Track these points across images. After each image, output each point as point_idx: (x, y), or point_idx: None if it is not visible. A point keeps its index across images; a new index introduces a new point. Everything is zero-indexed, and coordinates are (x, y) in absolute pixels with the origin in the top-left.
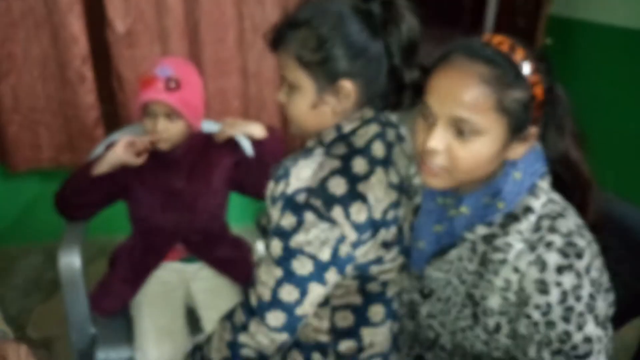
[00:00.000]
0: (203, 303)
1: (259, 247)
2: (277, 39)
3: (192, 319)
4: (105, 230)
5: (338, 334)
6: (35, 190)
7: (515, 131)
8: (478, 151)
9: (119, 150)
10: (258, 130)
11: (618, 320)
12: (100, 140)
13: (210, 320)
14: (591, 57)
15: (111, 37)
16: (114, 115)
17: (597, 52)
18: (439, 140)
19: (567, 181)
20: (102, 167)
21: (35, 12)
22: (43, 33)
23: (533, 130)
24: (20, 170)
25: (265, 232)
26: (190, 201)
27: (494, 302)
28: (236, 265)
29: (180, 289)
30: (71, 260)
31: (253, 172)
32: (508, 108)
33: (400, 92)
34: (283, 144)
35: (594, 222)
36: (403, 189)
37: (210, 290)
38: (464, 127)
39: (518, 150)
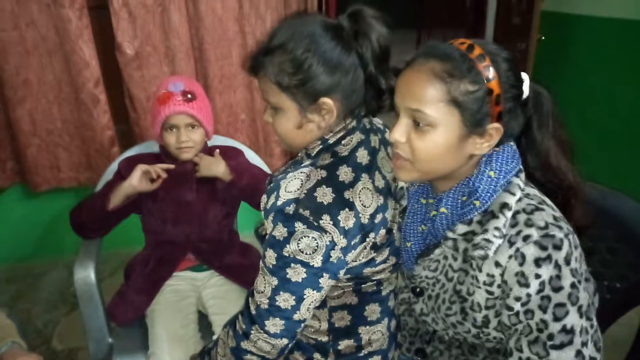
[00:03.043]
0: (214, 309)
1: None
2: (255, 65)
3: (205, 325)
4: (125, 244)
5: (337, 334)
6: (57, 208)
7: (472, 125)
8: (434, 142)
9: (135, 182)
10: (224, 174)
11: (614, 312)
12: (116, 158)
13: (220, 325)
14: (587, 49)
15: (121, 60)
16: (127, 134)
17: (593, 45)
18: (400, 132)
19: (549, 186)
20: (118, 200)
21: (47, 40)
22: (56, 59)
23: (495, 126)
24: (41, 190)
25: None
26: (200, 212)
27: (480, 297)
28: (245, 271)
29: (192, 297)
30: (87, 275)
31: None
32: (459, 100)
33: (379, 97)
34: (258, 176)
35: (580, 226)
36: (390, 192)
37: (220, 296)
38: (419, 118)
39: (481, 146)
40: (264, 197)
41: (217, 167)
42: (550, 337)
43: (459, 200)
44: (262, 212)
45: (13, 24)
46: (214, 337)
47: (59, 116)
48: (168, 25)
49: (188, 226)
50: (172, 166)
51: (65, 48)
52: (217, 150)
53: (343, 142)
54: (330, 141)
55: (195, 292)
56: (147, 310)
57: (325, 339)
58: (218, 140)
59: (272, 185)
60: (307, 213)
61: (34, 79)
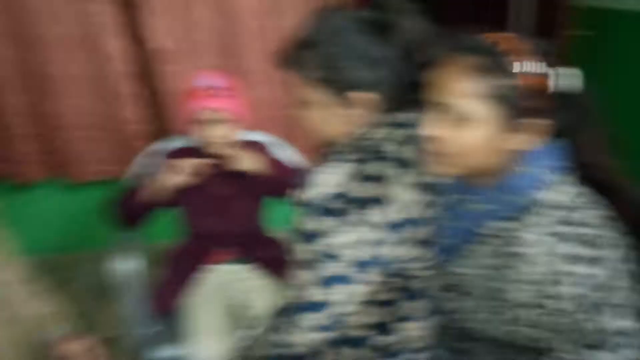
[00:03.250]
0: (249, 301)
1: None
2: (288, 60)
3: (239, 317)
4: (162, 236)
5: (375, 328)
6: (90, 201)
7: (509, 120)
8: (471, 137)
9: (177, 178)
10: (254, 168)
11: None
12: (147, 151)
13: (255, 317)
14: (631, 46)
15: (151, 55)
16: (156, 128)
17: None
18: (435, 127)
19: (594, 184)
20: (159, 193)
21: (79, 35)
22: (90, 54)
23: (533, 121)
24: (76, 182)
25: (295, 235)
26: (231, 206)
27: (515, 294)
28: (279, 265)
29: (227, 289)
30: (127, 265)
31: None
32: (497, 95)
33: (410, 90)
34: (286, 173)
35: (630, 225)
36: (423, 187)
37: (254, 289)
38: (456, 113)
39: (518, 141)
40: (298, 191)
41: (247, 161)
42: (585, 336)
43: (497, 196)
44: (296, 206)
45: (50, 20)
46: (249, 330)
47: (92, 110)
48: (197, 20)
49: (220, 219)
50: (208, 161)
51: (98, 43)
52: (245, 145)
53: (375, 136)
54: (362, 136)
55: (231, 285)
56: (184, 301)
57: (360, 334)
58: (243, 134)
59: (306, 179)
60: (338, 207)
61: (68, 74)
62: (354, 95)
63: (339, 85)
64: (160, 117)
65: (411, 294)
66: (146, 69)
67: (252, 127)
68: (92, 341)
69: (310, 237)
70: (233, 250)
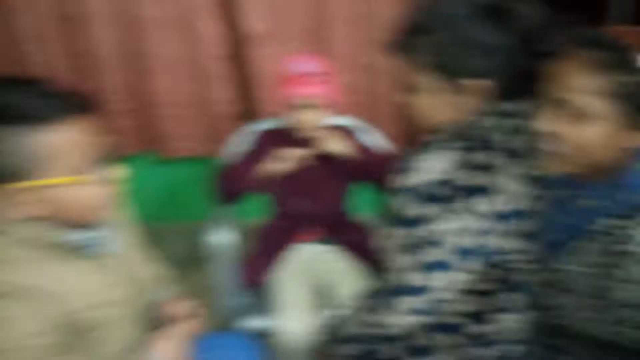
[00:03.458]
0: (333, 281)
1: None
2: (400, 44)
3: (324, 296)
4: (256, 213)
5: (468, 318)
6: (182, 175)
7: (630, 117)
8: (591, 134)
9: (282, 166)
10: (343, 152)
11: None
12: (237, 131)
13: (340, 297)
14: None
15: (245, 38)
16: (247, 110)
17: None
18: (553, 123)
19: None
20: (263, 179)
21: (178, 17)
22: (188, 36)
23: None
24: (169, 157)
25: (391, 221)
26: (318, 187)
27: (623, 293)
28: (363, 249)
29: (314, 268)
30: (221, 237)
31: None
32: (618, 92)
33: (523, 81)
34: (374, 158)
35: None
36: (530, 180)
37: (340, 271)
38: (576, 109)
39: (636, 138)
40: (397, 176)
41: (336, 145)
42: None
43: (610, 193)
44: (393, 191)
45: (150, 1)
46: (335, 309)
47: (187, 90)
48: (291, 5)
49: (309, 201)
50: (311, 151)
51: (193, 25)
52: (334, 129)
53: (484, 124)
54: (471, 123)
55: (316, 265)
56: (272, 276)
57: (456, 321)
58: (333, 119)
59: (407, 164)
60: (443, 194)
61: (167, 54)
62: (466, 82)
63: (451, 71)
64: (249, 99)
65: (511, 286)
66: (238, 51)
67: (340, 111)
68: (195, 305)
69: (412, 222)
70: (319, 231)
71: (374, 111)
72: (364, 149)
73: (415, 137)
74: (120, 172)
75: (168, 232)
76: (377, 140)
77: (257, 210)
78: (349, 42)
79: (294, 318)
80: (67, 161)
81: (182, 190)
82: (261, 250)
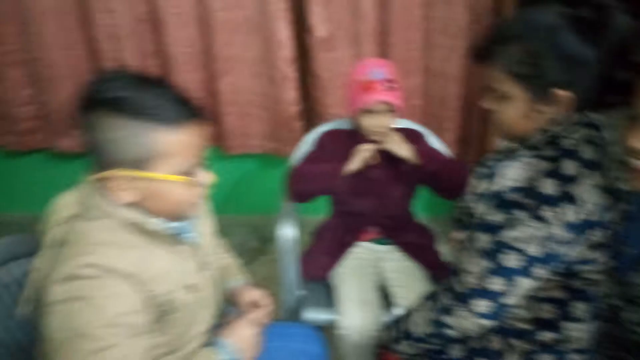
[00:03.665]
0: (394, 281)
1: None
2: (486, 52)
3: (383, 296)
4: (320, 211)
5: (539, 324)
6: (244, 170)
7: None
8: None
9: (355, 164)
10: (410, 156)
11: None
12: (298, 131)
13: (401, 297)
14: None
15: (311, 41)
16: (310, 111)
17: None
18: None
19: None
20: (344, 175)
21: (251, 20)
22: (256, 38)
23: None
24: (233, 153)
25: (461, 225)
26: (383, 188)
27: None
28: (423, 250)
29: (373, 267)
30: (288, 231)
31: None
32: None
33: (609, 92)
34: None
35: None
36: (611, 192)
37: (400, 271)
38: None
39: None
40: (474, 182)
41: (403, 148)
42: None
43: None
44: (469, 195)
45: (223, 4)
46: (395, 309)
47: (253, 89)
48: (357, 10)
49: (371, 201)
50: (378, 147)
51: (265, 28)
52: (402, 133)
53: (569, 135)
54: (554, 133)
55: (377, 264)
56: (333, 271)
57: (527, 327)
58: (399, 123)
59: (485, 170)
60: (527, 202)
61: (236, 55)
62: (556, 92)
63: (540, 82)
64: (314, 100)
65: (580, 296)
66: (307, 54)
67: (401, 116)
68: (265, 294)
69: (491, 227)
70: (382, 231)
71: (429, 116)
72: (434, 153)
73: (470, 144)
74: (210, 177)
75: (229, 224)
76: (436, 145)
77: (319, 208)
78: (411, 46)
79: (353, 314)
80: (177, 161)
81: (247, 185)
82: (323, 246)
